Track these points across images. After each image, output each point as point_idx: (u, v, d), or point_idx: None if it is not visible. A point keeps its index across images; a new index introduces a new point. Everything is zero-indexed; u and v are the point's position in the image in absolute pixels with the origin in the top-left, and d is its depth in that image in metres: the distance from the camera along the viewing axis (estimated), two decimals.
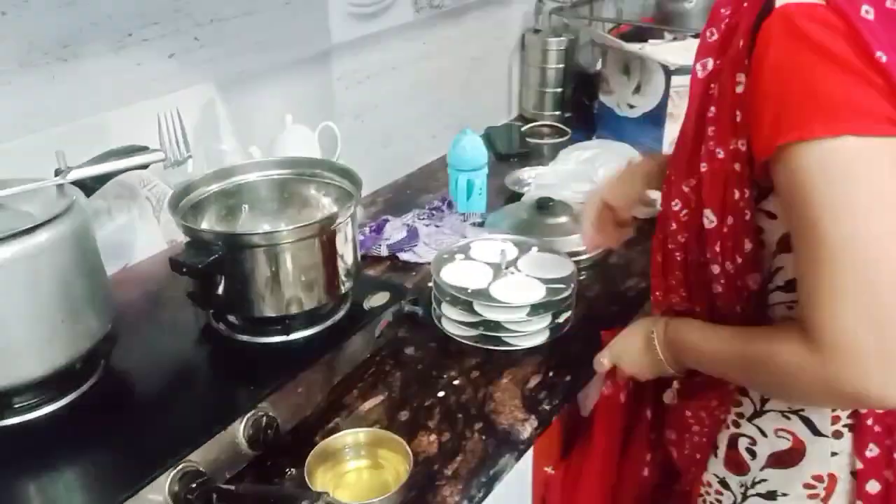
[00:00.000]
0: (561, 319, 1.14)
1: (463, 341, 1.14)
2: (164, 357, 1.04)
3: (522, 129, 2.03)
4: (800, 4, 0.67)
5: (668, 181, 0.85)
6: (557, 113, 2.08)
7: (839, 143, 0.65)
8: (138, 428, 0.90)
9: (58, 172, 0.97)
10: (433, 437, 1.00)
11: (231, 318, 1.07)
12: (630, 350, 0.96)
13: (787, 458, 0.87)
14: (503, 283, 1.15)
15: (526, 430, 1.01)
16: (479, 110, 2.01)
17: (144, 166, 1.08)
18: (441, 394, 1.07)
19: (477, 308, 1.11)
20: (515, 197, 1.63)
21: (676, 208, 0.84)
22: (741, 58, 0.71)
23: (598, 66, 2.08)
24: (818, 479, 0.87)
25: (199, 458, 0.86)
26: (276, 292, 1.01)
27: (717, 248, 0.80)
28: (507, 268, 1.18)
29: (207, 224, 1.08)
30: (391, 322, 1.14)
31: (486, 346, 1.13)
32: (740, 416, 0.91)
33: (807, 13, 0.67)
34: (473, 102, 1.98)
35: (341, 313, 1.09)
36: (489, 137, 1.90)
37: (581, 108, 2.06)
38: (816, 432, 0.85)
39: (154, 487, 0.82)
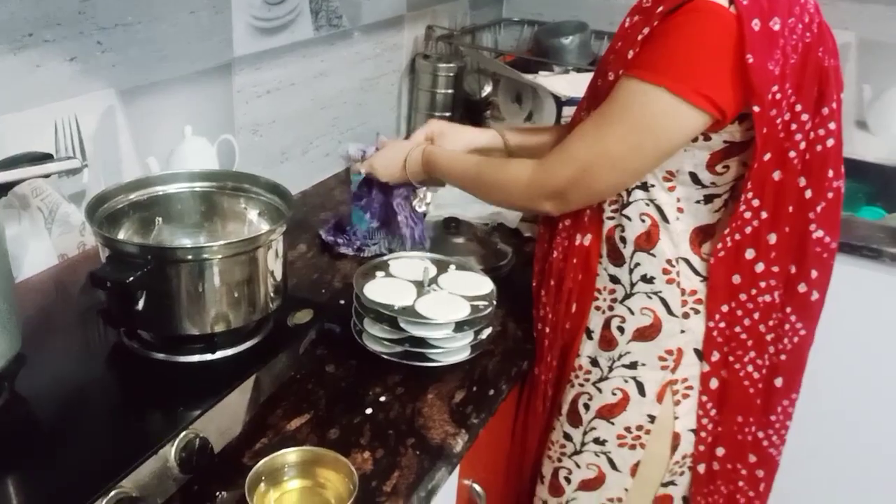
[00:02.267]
0: (483, 335, 1.17)
1: (387, 358, 1.14)
2: (75, 378, 0.97)
3: None
4: (712, 3, 0.90)
5: (581, 99, 1.15)
6: None
7: (656, 90, 0.93)
8: (60, 455, 0.83)
9: None
10: (367, 454, 0.99)
11: (144, 335, 1.02)
12: (389, 164, 1.26)
13: (648, 333, 1.10)
14: (427, 300, 1.17)
15: (458, 444, 1.03)
16: (370, 130, 2.02)
17: (49, 175, 1.01)
18: (369, 411, 1.07)
19: (402, 325, 1.12)
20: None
21: (581, 116, 1.10)
22: (655, 18, 0.95)
23: (484, 92, 2.16)
24: (669, 352, 1.10)
25: (131, 483, 0.81)
26: (202, 309, 0.97)
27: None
28: (429, 285, 1.20)
29: (124, 237, 1.02)
30: (311, 340, 1.13)
31: (409, 362, 1.14)
32: (615, 300, 1.12)
33: (714, 12, 0.90)
34: (366, 122, 2.00)
35: (266, 331, 1.06)
36: None
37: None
38: (670, 312, 1.09)
39: None
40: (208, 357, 1.00)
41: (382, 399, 1.10)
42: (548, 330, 1.21)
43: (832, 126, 1.02)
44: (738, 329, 1.09)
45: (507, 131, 1.32)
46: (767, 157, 0.99)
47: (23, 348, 0.91)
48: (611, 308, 1.13)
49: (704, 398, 1.12)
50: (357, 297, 1.17)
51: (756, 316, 1.08)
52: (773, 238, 1.04)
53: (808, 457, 1.56)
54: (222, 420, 0.95)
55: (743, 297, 1.07)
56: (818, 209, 1.04)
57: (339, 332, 1.21)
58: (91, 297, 1.08)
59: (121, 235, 1.02)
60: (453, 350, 1.14)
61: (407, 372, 1.15)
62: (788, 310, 1.10)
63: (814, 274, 1.08)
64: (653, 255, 1.08)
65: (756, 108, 0.93)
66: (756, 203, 1.02)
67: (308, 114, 1.77)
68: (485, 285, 1.22)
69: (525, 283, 1.31)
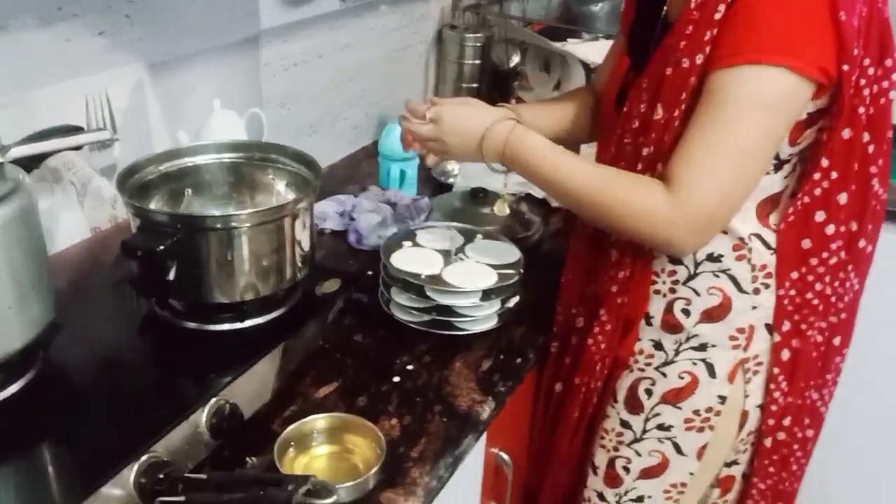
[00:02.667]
0: (511, 304, 1.17)
1: (414, 327, 1.15)
2: (108, 347, 0.99)
3: None
4: None
5: (640, 88, 1.01)
6: None
7: (777, 72, 0.87)
8: (93, 420, 0.85)
9: None
10: (394, 420, 1.00)
11: (175, 304, 1.03)
12: (462, 139, 1.05)
13: (717, 313, 1.04)
14: (454, 269, 1.17)
15: (485, 412, 1.03)
16: (398, 102, 2.00)
17: (80, 147, 1.03)
18: (396, 379, 1.08)
19: (429, 293, 1.13)
20: (442, 187, 1.65)
21: (643, 109, 1.00)
22: None
23: (512, 63, 2.14)
24: (740, 330, 1.05)
25: (162, 448, 0.83)
26: (232, 278, 0.98)
27: (653, 136, 0.98)
28: (456, 254, 1.20)
29: (155, 207, 1.04)
30: (339, 309, 1.14)
31: (436, 331, 1.14)
32: (675, 282, 1.06)
33: None
34: (393, 94, 1.99)
35: (294, 300, 1.07)
36: None
37: (496, 103, 2.10)
38: (741, 289, 1.03)
39: (118, 481, 0.78)
40: (238, 326, 1.01)
41: (410, 367, 1.10)
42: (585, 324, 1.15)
43: (895, 77, 0.97)
44: (809, 295, 1.04)
45: (522, 108, 1.21)
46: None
47: (57, 317, 0.93)
48: (672, 291, 1.06)
49: (776, 371, 1.07)
50: (384, 267, 1.17)
51: (827, 279, 1.04)
52: (843, 198, 1.00)
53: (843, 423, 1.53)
54: (252, 387, 0.96)
55: (814, 261, 1.03)
56: (879, 163, 1.00)
57: (367, 301, 1.21)
58: (123, 269, 1.09)
59: (151, 206, 1.03)
60: (480, 319, 1.14)
61: (434, 341, 1.15)
62: (850, 268, 1.06)
63: (870, 228, 1.04)
64: (723, 233, 1.01)
65: (846, 67, 0.89)
66: (825, 163, 0.97)
67: (335, 86, 1.77)
68: (512, 254, 1.22)
69: (554, 252, 1.31)
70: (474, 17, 2.16)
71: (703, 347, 1.06)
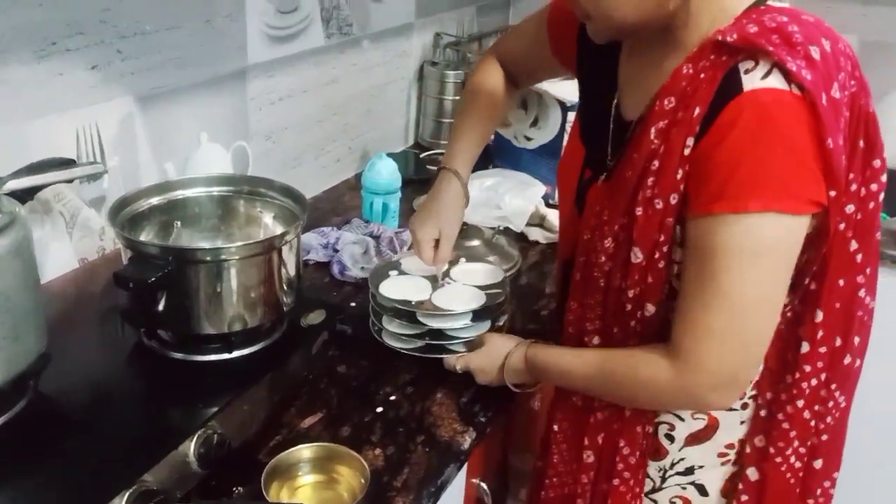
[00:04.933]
0: (500, 323, 1.21)
1: (406, 353, 1.17)
2: (97, 377, 1.01)
3: (420, 155, 2.10)
4: (771, 91, 0.77)
5: (600, 219, 0.94)
6: None
7: (764, 218, 0.79)
8: (84, 450, 0.86)
9: None
10: (378, 450, 1.02)
11: (164, 335, 1.05)
12: (486, 367, 1.11)
13: (703, 435, 0.99)
14: (443, 293, 1.21)
15: (466, 442, 1.06)
16: (379, 136, 2.05)
17: (72, 180, 1.05)
18: (379, 409, 1.10)
19: (421, 319, 1.16)
20: None
21: (608, 245, 0.93)
22: (694, 124, 0.80)
23: None
24: (730, 446, 0.99)
25: (152, 478, 0.84)
26: (220, 310, 1.00)
27: (636, 277, 0.90)
28: (442, 279, 1.24)
29: (146, 239, 1.06)
30: (323, 341, 1.16)
31: (430, 356, 1.17)
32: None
33: (778, 101, 0.77)
34: (375, 128, 2.03)
35: (281, 331, 1.10)
36: None
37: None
38: (728, 408, 0.96)
39: None
40: (225, 356, 1.03)
41: (393, 398, 1.13)
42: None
43: (884, 178, 0.90)
44: (780, 417, 0.96)
45: (459, 163, 1.22)
46: (842, 226, 0.87)
47: (47, 348, 0.94)
48: (655, 414, 0.99)
49: (742, 494, 0.99)
50: (373, 297, 1.20)
51: (800, 403, 0.95)
52: (819, 315, 0.91)
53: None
54: (238, 417, 0.98)
55: (789, 378, 0.94)
56: (867, 272, 0.92)
57: (351, 333, 1.24)
58: (111, 300, 1.12)
59: (142, 238, 1.05)
60: (470, 340, 1.17)
61: (416, 372, 1.18)
62: (833, 386, 0.96)
63: (856, 341, 0.95)
64: None
65: (833, 193, 0.80)
66: (806, 282, 0.89)
67: (319, 120, 1.81)
68: (497, 274, 1.27)
69: (532, 284, 1.34)
70: (454, 55, 2.22)
71: (690, 471, 1.01)
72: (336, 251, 1.48)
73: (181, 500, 0.88)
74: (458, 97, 2.13)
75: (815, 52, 0.78)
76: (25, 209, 1.05)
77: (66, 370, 0.98)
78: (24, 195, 0.98)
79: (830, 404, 0.97)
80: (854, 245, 0.90)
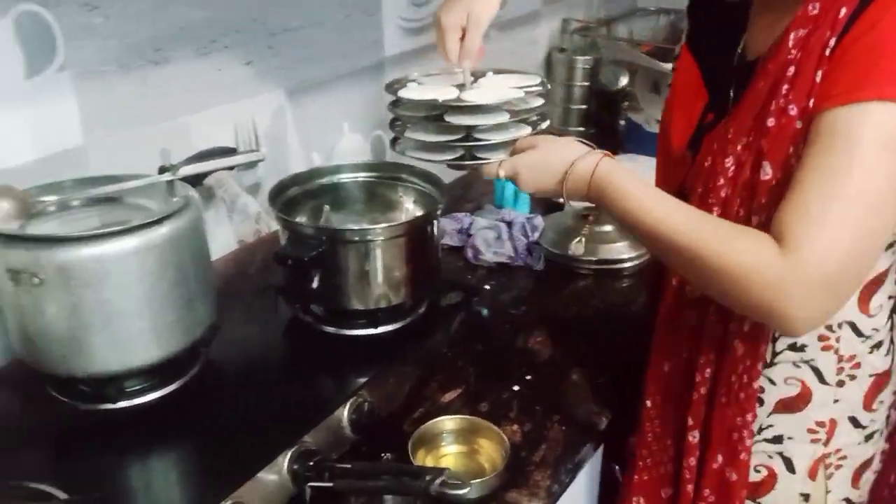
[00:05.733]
0: (543, 127, 1.05)
1: (444, 162, 1.02)
2: (258, 347, 1.09)
3: None
4: None
5: (724, 139, 0.88)
6: (582, 129, 2.16)
7: None
8: (251, 414, 0.94)
9: (163, 169, 1.02)
10: (515, 426, 1.05)
11: (316, 310, 1.12)
12: (540, 172, 0.93)
13: (793, 405, 0.92)
14: (473, 92, 1.03)
15: (602, 422, 1.07)
16: None
17: (235, 167, 1.14)
18: (516, 388, 1.13)
19: (449, 118, 0.99)
20: (554, 205, 1.70)
21: (728, 165, 0.86)
22: (839, 24, 0.77)
23: (621, 84, 2.17)
24: (821, 424, 0.93)
25: (311, 439, 0.91)
26: (367, 287, 1.06)
27: (764, 200, 0.83)
28: (471, 85, 1.06)
29: (301, 221, 1.14)
30: (461, 320, 1.21)
31: (467, 163, 1.01)
32: None
33: None
34: None
35: (422, 310, 1.15)
36: None
37: (604, 124, 2.14)
38: (823, 381, 0.91)
39: (274, 467, 0.86)
40: (371, 331, 1.09)
41: (528, 377, 1.15)
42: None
43: None
44: None
45: None
46: None
47: (216, 320, 1.03)
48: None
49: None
50: (393, 104, 1.05)
51: None
52: None
53: None
54: (385, 389, 1.04)
55: None
56: None
57: (488, 314, 1.27)
58: (267, 278, 1.21)
59: (297, 220, 1.13)
60: (508, 143, 0.99)
61: (551, 352, 1.20)
62: None
63: None
64: None
65: None
66: None
67: None
68: (532, 78, 1.09)
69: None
70: (583, 40, 2.21)
71: (778, 439, 0.94)
72: (469, 235, 1.52)
73: (336, 461, 0.94)
74: (586, 83, 2.12)
75: None
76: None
77: (233, 341, 1.07)
78: (194, 181, 1.08)
79: None
80: None
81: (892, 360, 0.94)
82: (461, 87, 1.05)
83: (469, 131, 0.99)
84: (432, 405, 1.09)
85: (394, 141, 1.07)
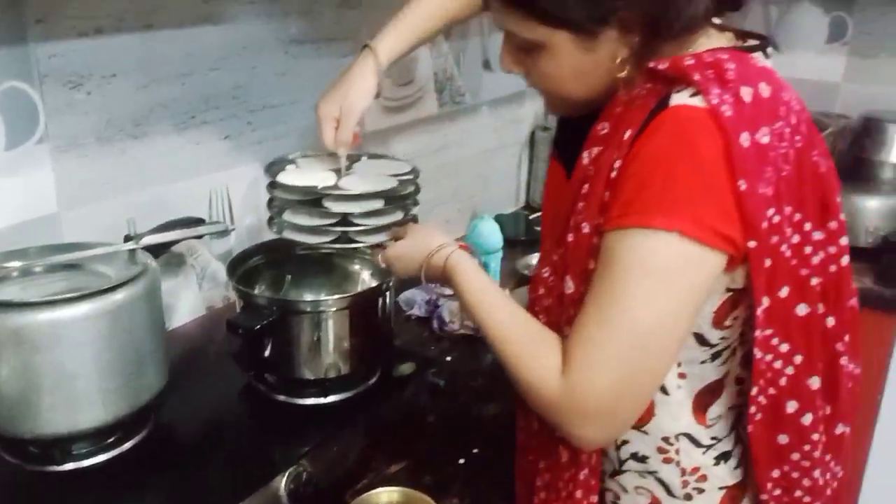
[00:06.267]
0: (413, 212, 1.13)
1: (318, 246, 1.09)
2: (210, 413, 1.12)
3: (530, 217, 2.16)
4: (691, 108, 0.74)
5: (543, 248, 0.94)
6: None
7: (667, 238, 0.74)
8: (193, 477, 0.97)
9: (128, 238, 1.08)
10: (455, 500, 1.07)
11: (270, 378, 1.16)
12: (407, 262, 1.01)
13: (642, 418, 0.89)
14: (349, 179, 1.11)
15: None
16: (489, 198, 2.14)
17: (201, 236, 1.20)
18: (462, 461, 1.15)
19: (327, 204, 1.06)
20: (524, 279, 1.74)
21: (546, 275, 0.89)
22: (624, 146, 0.78)
23: None
24: (667, 440, 0.90)
25: None
26: (317, 357, 1.10)
27: (572, 312, 0.83)
28: (346, 170, 1.14)
29: (258, 291, 1.18)
30: (414, 391, 1.23)
31: (341, 246, 1.07)
32: (603, 472, 0.94)
33: (694, 118, 0.74)
34: (485, 190, 2.12)
35: (373, 380, 1.18)
36: (499, 223, 2.02)
37: None
38: (670, 493, 0.91)
39: None
40: (321, 400, 1.12)
41: (476, 451, 1.17)
42: None
43: (843, 241, 0.86)
44: (798, 493, 0.90)
45: (381, 42, 1.12)
46: (785, 292, 0.81)
47: (169, 384, 1.07)
48: (601, 480, 0.93)
49: None
50: (272, 186, 1.11)
51: (816, 472, 0.89)
52: (815, 382, 0.86)
53: None
54: (329, 458, 1.06)
55: (796, 456, 0.88)
56: (846, 339, 0.89)
57: (444, 385, 1.30)
58: (230, 344, 1.25)
59: (255, 290, 1.18)
60: (382, 227, 1.07)
61: (504, 428, 1.22)
62: (828, 457, 0.92)
63: (845, 410, 0.92)
64: (645, 434, 0.89)
65: (752, 244, 0.76)
66: (785, 348, 0.83)
67: (431, 182, 1.90)
68: (404, 166, 1.17)
69: None
70: None
71: (643, 459, 0.92)
72: (438, 307, 1.56)
73: None
74: None
75: (746, 93, 0.76)
76: (160, 261, 1.21)
77: (186, 405, 1.11)
78: (158, 249, 1.13)
79: (828, 476, 0.92)
80: (821, 308, 0.85)
81: (745, 472, 0.92)
82: (338, 170, 1.13)
83: (345, 216, 1.06)
84: (377, 476, 1.11)
85: (270, 220, 1.12)
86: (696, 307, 0.78)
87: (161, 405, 1.08)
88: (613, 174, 0.78)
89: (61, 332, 0.91)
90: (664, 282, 0.75)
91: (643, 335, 0.76)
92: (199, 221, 1.19)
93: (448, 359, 1.43)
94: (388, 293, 1.14)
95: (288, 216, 1.08)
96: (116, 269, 1.02)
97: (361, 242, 1.06)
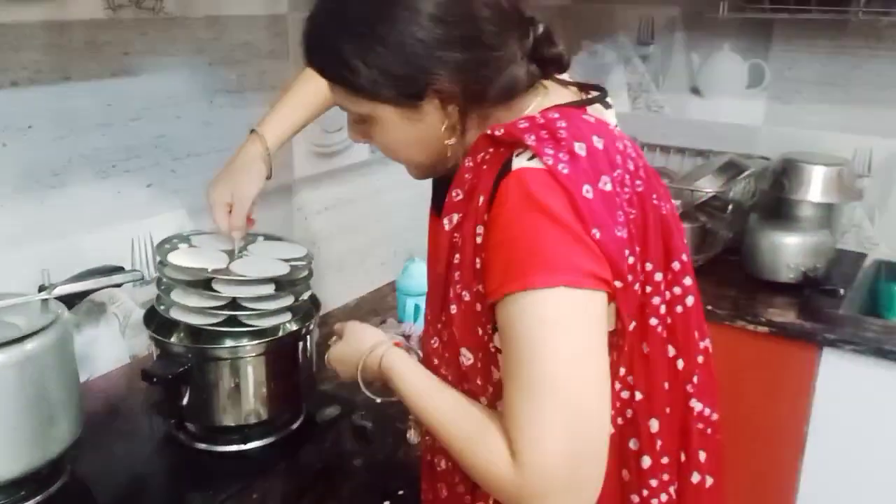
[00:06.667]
0: (305, 297, 1.15)
1: (206, 328, 1.09)
2: (127, 464, 1.11)
3: None
4: (532, 170, 0.76)
5: (426, 320, 0.92)
6: None
7: (554, 293, 0.74)
8: None
9: (42, 288, 1.07)
10: None
11: (190, 427, 1.15)
12: (345, 363, 0.98)
13: None
14: (242, 263, 1.13)
15: None
16: (423, 241, 2.16)
17: (119, 285, 1.19)
18: (386, 503, 1.15)
19: (216, 287, 1.07)
20: None
21: (436, 345, 0.88)
22: (481, 212, 0.79)
23: None
24: None
25: None
26: (236, 403, 1.10)
27: (479, 382, 0.84)
28: (240, 252, 1.16)
29: (177, 339, 1.18)
30: (339, 434, 1.23)
31: (232, 329, 1.09)
32: None
33: (537, 178, 0.76)
34: (419, 233, 2.14)
35: (295, 425, 1.18)
36: None
37: None
38: None
39: None
40: (241, 447, 1.12)
41: (401, 492, 1.17)
42: None
43: (688, 282, 0.88)
44: None
45: (268, 128, 1.18)
46: (632, 326, 0.83)
47: (86, 435, 1.05)
48: None
49: None
50: (161, 266, 1.11)
51: None
52: (654, 425, 0.86)
53: None
54: None
55: (635, 498, 0.88)
56: (694, 380, 0.89)
57: (372, 428, 1.30)
58: (152, 393, 1.24)
59: (173, 339, 1.17)
60: (274, 312, 1.11)
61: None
62: None
63: (702, 456, 0.91)
64: None
65: (619, 284, 0.78)
66: (630, 380, 0.85)
67: (364, 227, 1.94)
68: (299, 250, 1.20)
69: None
70: None
71: None
72: None
73: None
74: None
75: (580, 148, 0.78)
76: (80, 310, 1.20)
77: (104, 456, 1.10)
78: (74, 299, 1.12)
79: None
80: (672, 350, 0.88)
81: None
82: (231, 252, 1.15)
83: (235, 299, 1.08)
84: None
85: (158, 299, 1.13)
86: (602, 339, 0.78)
87: (78, 457, 1.06)
88: (479, 240, 0.79)
89: None
90: (565, 331, 0.75)
91: (567, 389, 0.74)
92: (117, 270, 1.18)
93: (378, 401, 1.43)
94: (308, 337, 1.15)
95: (176, 296, 1.09)
96: (28, 320, 1.01)
97: (251, 326, 1.08)
